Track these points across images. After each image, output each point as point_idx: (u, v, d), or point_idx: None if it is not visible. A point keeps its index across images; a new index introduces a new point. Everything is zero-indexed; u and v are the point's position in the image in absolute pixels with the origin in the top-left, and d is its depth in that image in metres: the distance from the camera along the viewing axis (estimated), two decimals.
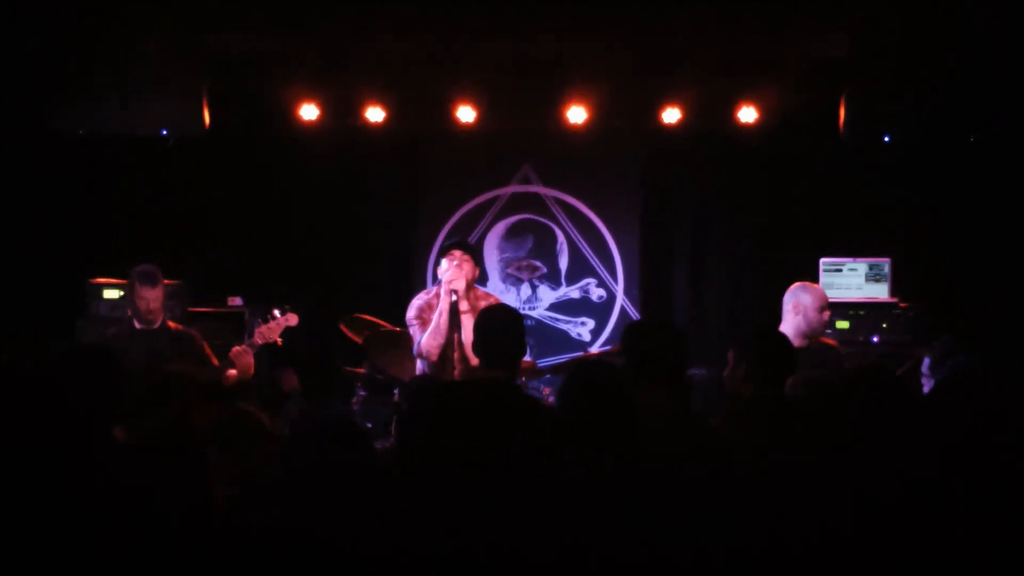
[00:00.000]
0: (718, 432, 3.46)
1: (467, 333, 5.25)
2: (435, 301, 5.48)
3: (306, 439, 2.71)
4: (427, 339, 5.39)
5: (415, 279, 8.22)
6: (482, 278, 7.73)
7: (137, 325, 5.80)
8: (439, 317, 5.37)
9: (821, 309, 5.49)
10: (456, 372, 5.30)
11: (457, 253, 5.47)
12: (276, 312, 5.78)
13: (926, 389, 4.90)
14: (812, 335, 5.45)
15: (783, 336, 4.17)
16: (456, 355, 5.33)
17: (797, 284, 5.58)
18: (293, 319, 5.80)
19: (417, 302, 5.58)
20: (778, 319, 5.57)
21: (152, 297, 5.73)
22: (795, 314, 5.45)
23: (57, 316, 7.03)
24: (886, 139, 7.20)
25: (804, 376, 4.13)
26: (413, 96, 7.84)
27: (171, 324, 5.85)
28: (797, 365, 4.20)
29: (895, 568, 2.80)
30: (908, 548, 2.83)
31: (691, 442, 3.19)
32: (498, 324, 4.20)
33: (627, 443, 3.00)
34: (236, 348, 5.69)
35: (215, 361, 5.77)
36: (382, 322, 6.97)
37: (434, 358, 5.40)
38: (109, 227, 7.80)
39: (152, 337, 5.75)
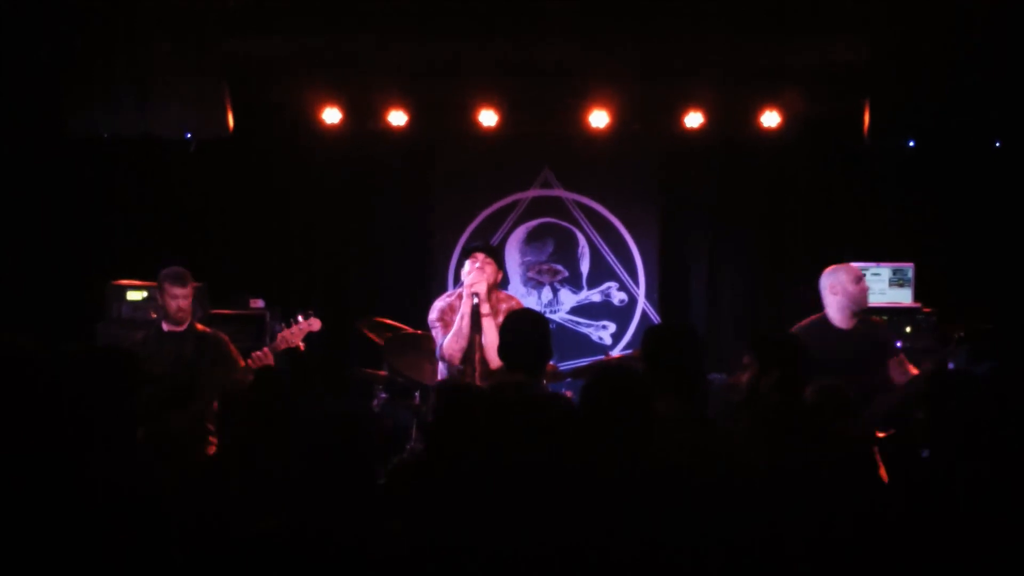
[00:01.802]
0: (740, 439, 3.43)
1: (488, 336, 5.23)
2: (457, 303, 5.46)
3: (312, 431, 2.70)
4: (449, 342, 5.35)
5: (435, 282, 8.22)
6: (504, 282, 7.72)
7: (165, 328, 5.80)
8: (461, 320, 5.33)
9: (858, 280, 5.38)
10: (476, 374, 5.29)
11: (480, 256, 5.45)
12: (300, 317, 5.78)
13: None
14: (858, 309, 5.34)
15: (804, 343, 4.15)
16: (477, 357, 5.31)
17: (828, 269, 5.50)
18: (316, 324, 5.80)
19: (439, 304, 5.56)
20: (797, 323, 5.53)
21: (182, 295, 5.75)
22: (834, 295, 5.34)
23: (79, 319, 7.06)
24: (911, 143, 7.15)
25: (820, 384, 4.10)
26: (433, 101, 7.86)
27: (198, 326, 5.86)
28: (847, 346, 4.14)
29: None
30: (936, 556, 2.80)
31: (708, 449, 3.16)
32: (521, 329, 4.21)
33: (645, 449, 2.98)
34: (257, 353, 5.69)
35: (241, 362, 5.78)
36: (402, 325, 6.97)
37: (456, 361, 5.34)
38: (131, 230, 7.84)
39: (180, 340, 5.76)
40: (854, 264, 5.57)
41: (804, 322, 5.37)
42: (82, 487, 2.35)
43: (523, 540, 2.48)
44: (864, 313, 5.39)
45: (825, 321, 5.33)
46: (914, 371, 5.17)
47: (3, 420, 2.49)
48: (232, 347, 5.84)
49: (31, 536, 2.22)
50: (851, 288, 5.34)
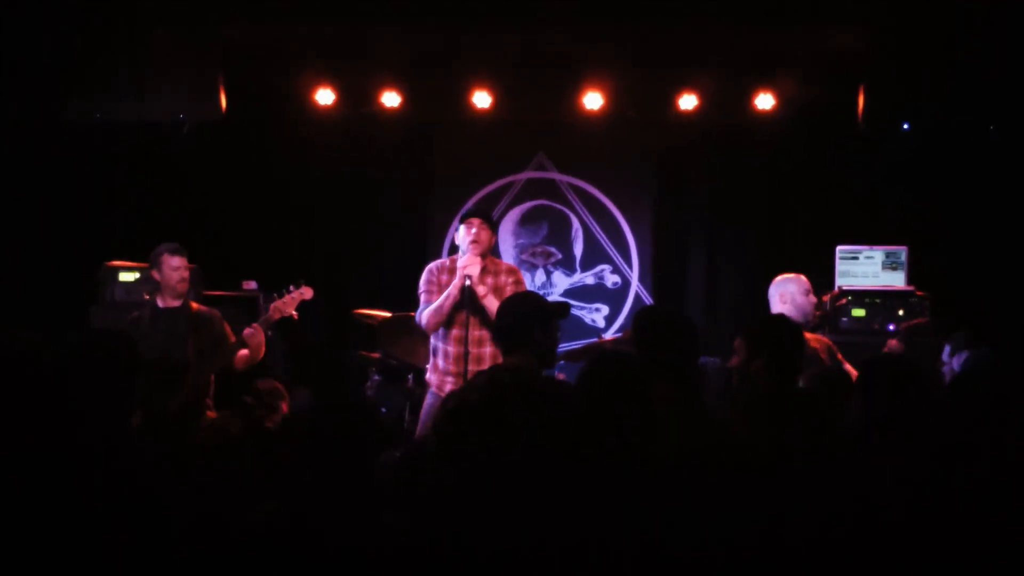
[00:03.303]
0: (733, 426, 3.41)
1: (491, 309, 5.19)
2: (445, 277, 5.44)
3: (314, 419, 2.68)
4: (427, 315, 5.37)
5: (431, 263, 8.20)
6: None
7: (160, 305, 5.79)
8: (444, 299, 5.33)
9: (807, 292, 5.60)
10: (468, 356, 5.29)
11: (476, 221, 5.42)
12: (291, 287, 5.80)
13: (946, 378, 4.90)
14: (804, 321, 5.50)
15: (798, 326, 4.14)
16: (468, 334, 5.31)
17: (778, 278, 5.69)
18: (308, 292, 5.81)
19: (428, 275, 5.53)
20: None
21: (183, 266, 5.76)
22: (783, 303, 5.54)
23: (72, 303, 7.04)
24: (905, 127, 7.15)
25: (820, 371, 4.09)
26: (428, 84, 7.86)
27: (193, 305, 5.86)
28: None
29: (915, 565, 2.77)
30: (929, 546, 2.79)
31: (701, 435, 3.14)
32: (516, 312, 4.19)
33: (645, 441, 2.95)
34: (248, 329, 5.69)
35: (232, 339, 5.79)
36: (383, 313, 6.95)
37: (431, 331, 5.41)
38: (125, 214, 7.82)
39: (173, 317, 5.75)
40: (801, 276, 5.72)
41: None
42: (77, 475, 2.34)
43: (521, 536, 2.46)
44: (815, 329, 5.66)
45: None
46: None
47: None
48: (225, 324, 5.84)
49: (27, 527, 2.21)
50: (800, 299, 5.55)
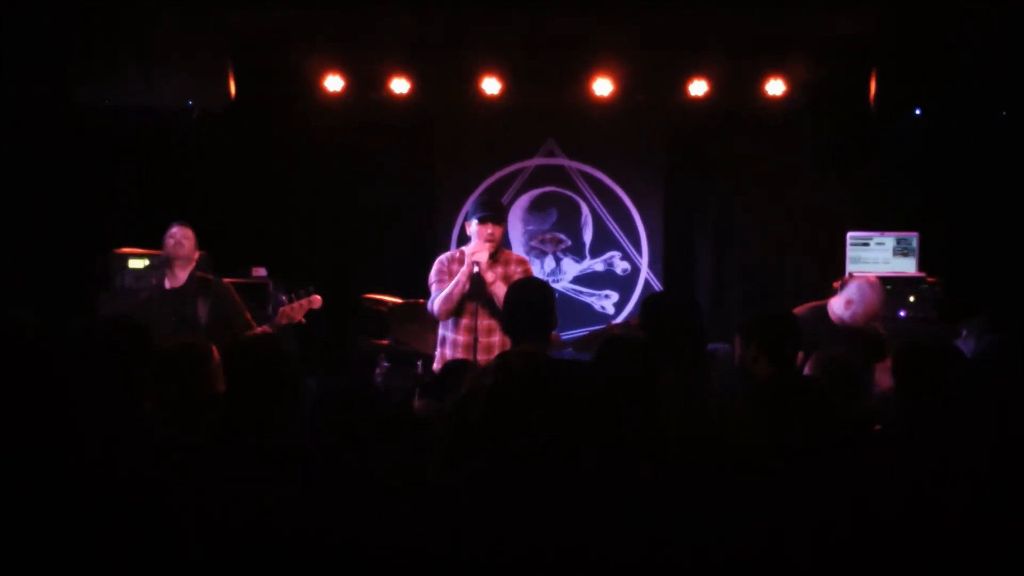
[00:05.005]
0: (734, 414, 3.38)
1: (499, 299, 5.18)
2: (456, 267, 5.44)
3: (324, 408, 2.66)
4: (439, 302, 5.37)
5: (438, 251, 8.17)
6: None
7: (167, 285, 5.80)
8: (454, 286, 5.33)
9: (882, 304, 5.39)
10: (477, 343, 5.28)
11: (494, 227, 5.38)
12: (301, 292, 5.77)
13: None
14: (855, 324, 5.34)
15: (789, 315, 4.09)
16: (478, 323, 5.31)
17: (869, 279, 5.43)
18: (317, 301, 5.79)
19: (439, 265, 5.54)
20: (801, 292, 5.56)
21: (181, 234, 5.74)
22: (848, 302, 5.32)
23: (81, 291, 7.05)
24: (917, 112, 7.11)
25: (827, 354, 4.06)
26: (437, 70, 7.84)
27: (198, 273, 5.85)
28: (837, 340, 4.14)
29: (921, 554, 2.75)
30: (937, 534, 2.78)
31: (703, 424, 3.11)
32: (525, 299, 4.19)
33: (648, 429, 2.93)
34: (258, 329, 5.69)
35: (247, 314, 5.79)
36: (393, 299, 6.95)
37: (443, 318, 5.41)
38: (133, 201, 7.82)
39: (181, 297, 5.75)
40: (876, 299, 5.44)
41: (802, 308, 5.37)
42: (76, 463, 2.32)
43: (528, 526, 2.44)
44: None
45: (824, 311, 5.33)
46: None
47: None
48: (235, 293, 5.83)
49: (24, 517, 2.19)
50: (871, 310, 5.30)
